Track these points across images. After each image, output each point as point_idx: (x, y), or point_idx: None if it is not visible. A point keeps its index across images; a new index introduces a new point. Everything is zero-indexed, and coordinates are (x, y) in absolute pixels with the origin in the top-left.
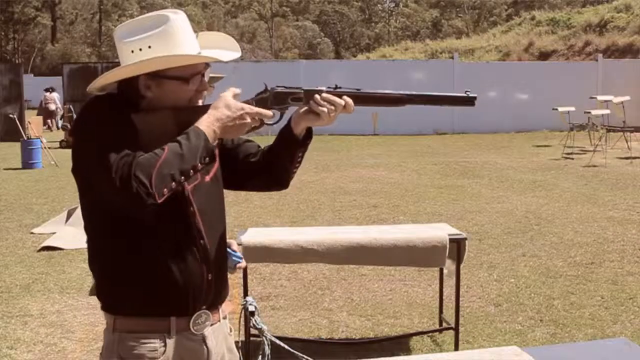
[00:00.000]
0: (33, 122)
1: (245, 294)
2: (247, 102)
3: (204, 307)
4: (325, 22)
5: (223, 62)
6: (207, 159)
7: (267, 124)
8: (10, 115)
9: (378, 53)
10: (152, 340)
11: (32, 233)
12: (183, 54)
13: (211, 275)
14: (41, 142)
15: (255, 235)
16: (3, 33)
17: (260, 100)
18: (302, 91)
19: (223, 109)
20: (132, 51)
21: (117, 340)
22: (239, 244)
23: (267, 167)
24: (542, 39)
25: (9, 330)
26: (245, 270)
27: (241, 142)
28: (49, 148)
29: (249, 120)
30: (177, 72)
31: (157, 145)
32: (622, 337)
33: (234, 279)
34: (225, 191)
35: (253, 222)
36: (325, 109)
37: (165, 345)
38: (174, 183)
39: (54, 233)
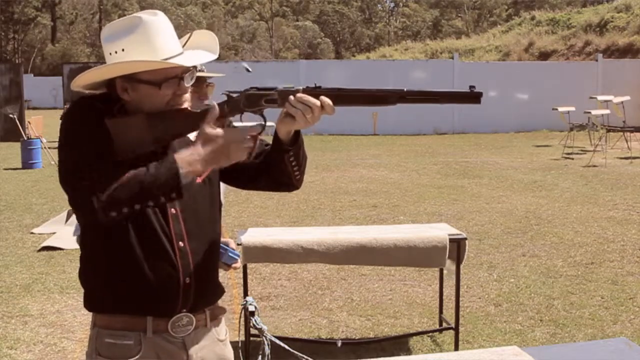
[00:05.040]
0: (33, 122)
1: (245, 294)
2: (219, 105)
3: (185, 310)
4: (325, 22)
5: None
6: (174, 194)
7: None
8: (10, 115)
9: (378, 53)
10: (127, 338)
11: (32, 233)
12: (143, 60)
13: (190, 279)
14: (41, 142)
15: (255, 235)
16: (3, 33)
17: (232, 102)
18: (276, 92)
19: (206, 145)
20: (110, 53)
21: (96, 336)
22: (239, 244)
23: (269, 169)
24: (542, 39)
25: (9, 330)
26: (245, 270)
27: None
28: (49, 148)
29: (250, 144)
30: (148, 77)
31: (130, 150)
32: (622, 337)
33: (234, 279)
34: (226, 190)
35: (253, 222)
36: (299, 111)
37: (140, 344)
38: (125, 208)
39: (54, 233)
